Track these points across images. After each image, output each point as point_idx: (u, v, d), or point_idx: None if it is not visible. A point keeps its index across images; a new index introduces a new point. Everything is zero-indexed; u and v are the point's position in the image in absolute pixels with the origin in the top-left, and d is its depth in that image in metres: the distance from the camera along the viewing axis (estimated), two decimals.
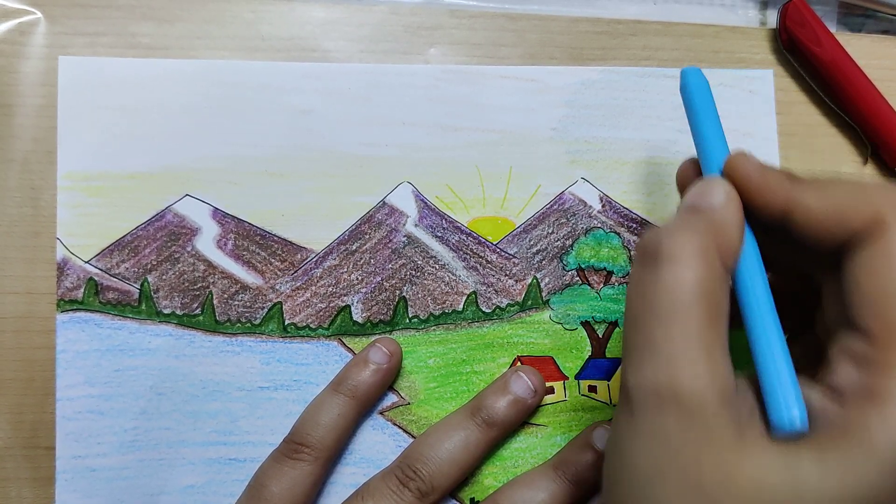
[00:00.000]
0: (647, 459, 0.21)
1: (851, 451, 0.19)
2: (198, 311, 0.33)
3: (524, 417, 0.33)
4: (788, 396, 0.21)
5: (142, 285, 0.33)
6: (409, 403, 0.33)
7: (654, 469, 0.21)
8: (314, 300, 0.33)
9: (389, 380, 0.33)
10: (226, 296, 0.33)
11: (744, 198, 0.23)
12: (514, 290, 0.34)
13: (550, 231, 0.35)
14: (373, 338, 0.33)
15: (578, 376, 0.34)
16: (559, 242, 0.35)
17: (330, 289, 0.33)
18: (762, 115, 0.36)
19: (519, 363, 0.34)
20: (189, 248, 0.33)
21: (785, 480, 0.19)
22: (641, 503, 0.21)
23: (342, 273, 0.33)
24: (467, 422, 0.31)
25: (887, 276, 0.21)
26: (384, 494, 0.30)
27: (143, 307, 0.33)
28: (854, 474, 0.19)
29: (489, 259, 0.34)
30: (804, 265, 0.25)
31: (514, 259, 0.34)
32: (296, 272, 0.33)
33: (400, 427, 0.33)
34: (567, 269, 0.34)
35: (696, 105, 0.26)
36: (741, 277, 0.23)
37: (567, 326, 0.34)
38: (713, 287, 0.21)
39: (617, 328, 0.34)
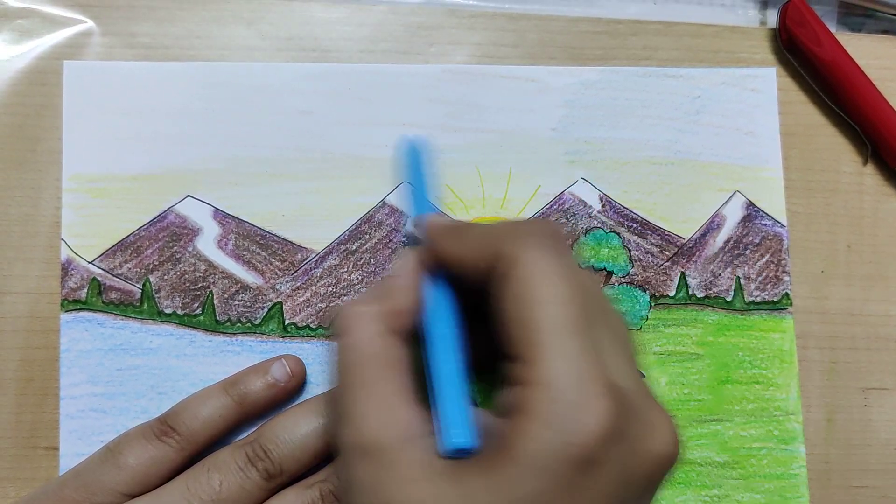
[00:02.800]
0: (355, 497, 0.23)
1: (508, 463, 0.21)
2: (198, 311, 0.33)
3: None
4: (451, 417, 0.24)
5: (143, 285, 0.33)
6: None
7: (354, 501, 0.23)
8: (314, 300, 0.33)
9: (283, 399, 0.32)
10: (226, 296, 0.33)
11: (434, 255, 0.27)
12: None
13: None
14: None
15: None
16: None
17: (330, 289, 0.34)
18: (765, 114, 0.36)
19: None
20: (190, 249, 0.33)
21: (457, 500, 0.22)
22: None
23: (342, 273, 0.34)
24: (328, 409, 0.30)
25: (517, 300, 0.23)
26: (230, 469, 0.29)
27: (145, 307, 0.33)
28: (514, 487, 0.21)
29: None
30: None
31: None
32: (296, 272, 0.33)
33: None
34: None
35: (414, 176, 0.31)
36: (426, 328, 0.26)
37: None
38: (382, 345, 0.25)
39: None
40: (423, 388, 0.25)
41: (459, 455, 0.23)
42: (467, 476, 0.22)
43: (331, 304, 0.33)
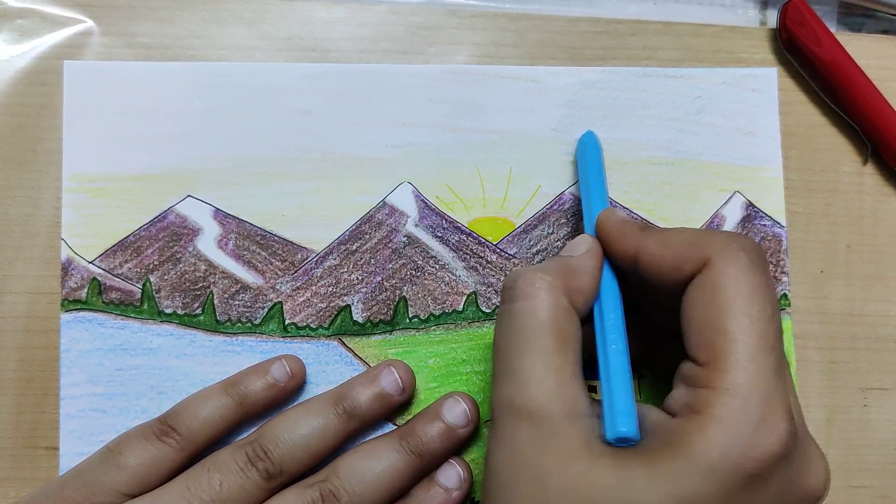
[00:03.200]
0: (505, 465, 0.24)
1: (675, 460, 0.22)
2: (198, 311, 0.33)
3: (387, 413, 0.32)
4: (619, 406, 0.24)
5: (144, 285, 0.33)
6: (409, 403, 0.33)
7: (510, 473, 0.24)
8: (314, 300, 0.33)
9: (283, 399, 0.32)
10: (226, 296, 0.33)
11: (606, 247, 0.28)
12: None
13: (550, 231, 0.35)
14: (373, 338, 0.33)
15: None
16: (559, 243, 0.35)
17: (330, 289, 0.34)
18: (765, 114, 0.36)
19: None
20: (190, 249, 0.33)
21: (618, 487, 0.22)
22: (498, 503, 0.24)
23: (342, 273, 0.34)
24: (328, 409, 0.30)
25: (708, 306, 0.24)
26: (230, 469, 0.29)
27: (145, 307, 0.33)
28: (677, 481, 0.22)
29: (489, 259, 0.34)
30: (665, 311, 0.27)
31: (514, 259, 0.34)
32: (296, 272, 0.33)
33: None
34: None
35: (588, 167, 0.32)
36: (598, 314, 0.27)
37: None
38: (560, 320, 0.25)
39: None
40: (586, 369, 0.26)
41: (621, 444, 0.24)
42: (629, 462, 0.22)
43: (331, 304, 0.33)
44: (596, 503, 0.22)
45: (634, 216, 0.35)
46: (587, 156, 0.33)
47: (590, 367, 0.26)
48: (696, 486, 0.21)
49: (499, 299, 0.34)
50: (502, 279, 0.34)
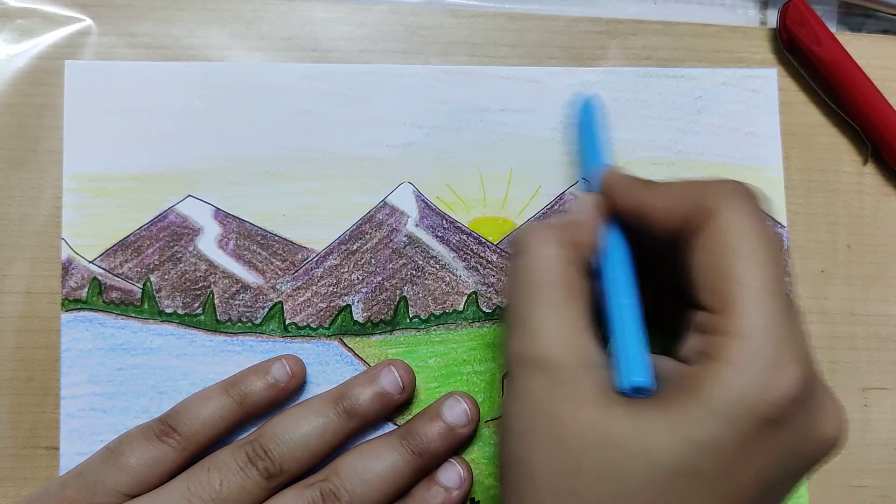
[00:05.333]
0: (520, 415, 0.24)
1: (690, 405, 0.22)
2: (199, 311, 0.33)
3: (388, 412, 0.32)
4: (632, 356, 0.24)
5: (144, 285, 0.33)
6: (409, 403, 0.33)
7: (526, 423, 0.24)
8: (315, 300, 0.33)
9: (283, 399, 0.32)
10: (227, 295, 0.33)
11: (612, 204, 0.28)
12: None
13: None
14: (374, 338, 0.33)
15: None
16: None
17: (331, 288, 0.34)
18: (765, 114, 0.36)
19: None
20: (191, 248, 0.33)
21: (633, 433, 0.22)
22: (515, 454, 0.24)
23: (343, 273, 0.34)
24: (328, 409, 0.30)
25: (716, 253, 0.24)
26: (230, 469, 0.29)
27: (146, 307, 0.33)
28: (693, 426, 0.22)
29: (490, 259, 0.34)
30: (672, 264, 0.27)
31: None
32: (296, 272, 0.33)
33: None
34: None
35: (588, 130, 0.32)
36: (606, 269, 0.27)
37: None
38: (567, 271, 0.25)
39: None
40: (596, 324, 0.26)
41: (635, 394, 0.24)
42: (644, 410, 0.22)
43: (331, 304, 0.33)
44: (611, 449, 0.22)
45: None
46: (592, 118, 0.33)
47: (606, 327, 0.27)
48: (711, 429, 0.21)
49: (500, 299, 0.34)
50: (503, 279, 0.34)
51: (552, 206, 0.35)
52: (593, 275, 0.27)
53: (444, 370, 0.34)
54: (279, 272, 0.33)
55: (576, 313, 0.25)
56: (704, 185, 0.25)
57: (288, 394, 0.32)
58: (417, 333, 0.34)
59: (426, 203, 0.34)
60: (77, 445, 0.32)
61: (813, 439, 0.23)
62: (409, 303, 0.34)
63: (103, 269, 0.33)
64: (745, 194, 0.25)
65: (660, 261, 0.28)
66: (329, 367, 0.33)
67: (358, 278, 0.34)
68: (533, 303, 0.25)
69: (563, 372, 0.23)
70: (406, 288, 0.34)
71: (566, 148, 0.35)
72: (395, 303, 0.34)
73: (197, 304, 0.33)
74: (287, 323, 0.33)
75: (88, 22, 0.34)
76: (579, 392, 0.23)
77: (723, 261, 0.23)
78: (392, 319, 0.34)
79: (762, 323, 0.22)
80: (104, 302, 0.33)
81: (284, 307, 0.33)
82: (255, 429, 0.31)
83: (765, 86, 0.36)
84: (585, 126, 0.33)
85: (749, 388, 0.22)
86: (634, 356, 0.24)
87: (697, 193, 0.25)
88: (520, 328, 0.25)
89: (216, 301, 0.33)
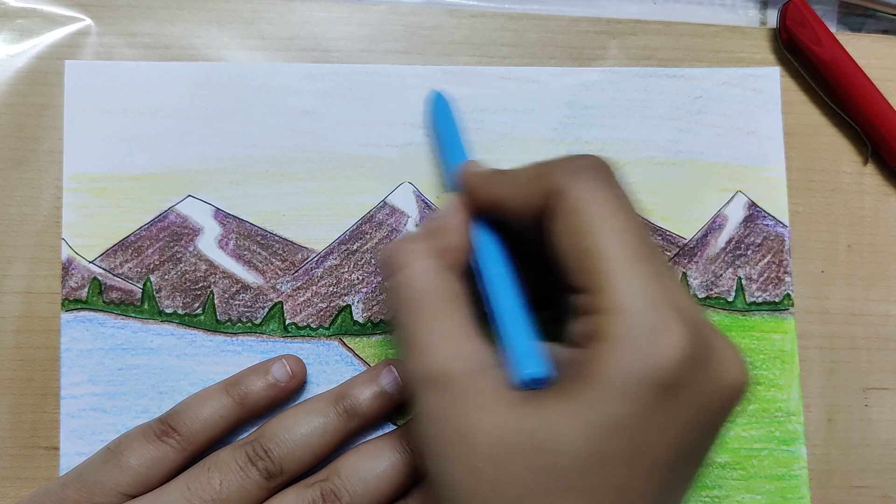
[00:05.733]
0: (429, 436, 0.24)
1: (586, 390, 0.22)
2: (199, 311, 0.33)
3: (388, 412, 0.32)
4: (521, 349, 0.24)
5: (144, 285, 0.33)
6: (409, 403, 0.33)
7: (435, 444, 0.24)
8: (315, 300, 0.33)
9: (284, 399, 0.32)
10: (227, 295, 0.33)
11: (473, 201, 0.27)
12: None
13: None
14: (374, 338, 0.33)
15: None
16: None
17: (331, 288, 0.34)
18: (767, 114, 0.36)
19: None
20: (191, 248, 0.33)
21: (537, 427, 0.22)
22: (436, 478, 0.24)
23: (343, 273, 0.34)
24: (328, 408, 0.30)
25: (573, 233, 0.23)
26: (230, 469, 0.29)
27: (146, 307, 0.33)
28: (594, 409, 0.21)
29: None
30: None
31: None
32: (297, 272, 0.33)
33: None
34: None
35: (443, 127, 0.31)
36: (479, 266, 0.27)
37: None
38: (440, 280, 0.25)
39: None
40: (482, 325, 0.25)
41: (533, 385, 0.23)
42: (543, 403, 0.22)
43: (331, 304, 0.33)
44: (523, 449, 0.22)
45: None
46: (439, 115, 0.32)
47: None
48: (612, 409, 0.21)
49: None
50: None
51: None
52: (473, 275, 0.27)
53: None
54: (279, 272, 0.33)
55: (458, 320, 0.24)
56: (550, 165, 0.25)
57: (288, 394, 0.32)
58: None
59: (426, 203, 0.34)
60: (77, 445, 0.32)
61: (717, 390, 0.23)
62: None
63: (103, 269, 0.33)
64: (590, 167, 0.24)
65: (536, 248, 0.28)
66: (329, 367, 0.33)
67: (358, 278, 0.34)
68: (414, 320, 0.25)
69: (458, 383, 0.23)
70: None
71: (566, 148, 0.35)
72: None
73: (197, 304, 0.33)
74: (287, 323, 0.33)
75: (88, 22, 0.34)
76: (477, 399, 0.23)
77: (581, 239, 0.23)
78: (392, 320, 0.34)
79: (634, 291, 0.22)
80: (104, 302, 0.33)
81: (284, 307, 0.33)
82: (255, 429, 0.31)
83: (766, 85, 0.36)
84: (440, 122, 0.32)
85: (638, 361, 0.21)
86: (523, 348, 0.24)
87: (544, 176, 0.25)
88: (408, 348, 0.25)
89: (216, 301, 0.33)
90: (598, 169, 0.24)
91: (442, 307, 0.25)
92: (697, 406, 0.22)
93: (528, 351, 0.24)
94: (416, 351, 0.24)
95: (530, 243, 0.27)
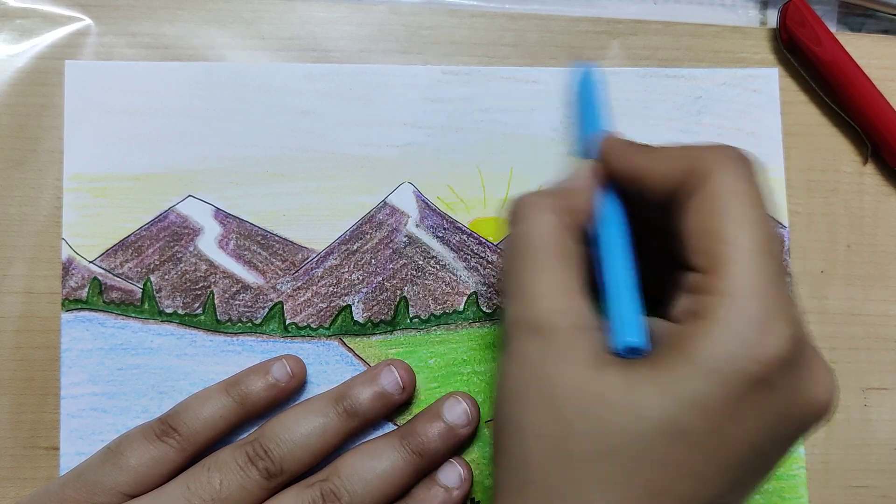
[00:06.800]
0: (514, 377, 0.24)
1: (679, 364, 0.22)
2: (199, 311, 0.33)
3: (388, 412, 0.32)
4: (626, 318, 0.24)
5: (144, 285, 0.33)
6: (409, 403, 0.33)
7: (519, 385, 0.24)
8: (315, 300, 0.33)
9: (284, 399, 0.32)
10: (227, 295, 0.33)
11: (609, 169, 0.28)
12: None
13: None
14: (374, 338, 0.33)
15: None
16: None
17: (331, 288, 0.34)
18: (766, 114, 0.36)
19: None
20: (191, 248, 0.33)
21: (623, 391, 0.22)
22: (508, 416, 0.24)
23: (343, 273, 0.34)
24: (328, 408, 0.31)
25: (708, 215, 0.23)
26: (231, 469, 0.29)
27: (146, 307, 0.33)
28: (682, 384, 0.21)
29: (490, 259, 0.34)
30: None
31: None
32: (297, 272, 0.33)
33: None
34: None
35: (587, 100, 0.31)
36: (599, 233, 0.27)
37: None
38: (559, 237, 0.25)
39: None
40: (592, 290, 0.26)
41: (629, 355, 0.24)
42: (635, 370, 0.22)
43: (331, 304, 0.33)
44: (601, 408, 0.22)
45: None
46: (592, 87, 0.32)
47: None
48: (700, 388, 0.21)
49: (500, 300, 0.34)
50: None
51: None
52: (590, 242, 0.27)
53: (445, 370, 0.34)
54: (279, 272, 0.33)
55: (570, 277, 0.25)
56: (699, 149, 0.25)
57: (288, 394, 0.32)
58: (417, 333, 0.34)
59: (426, 203, 0.34)
60: (77, 445, 0.32)
61: (803, 403, 0.23)
62: (410, 303, 0.34)
63: (103, 269, 0.33)
64: (738, 158, 0.25)
65: (651, 227, 0.28)
66: (329, 367, 0.33)
67: (358, 278, 0.34)
68: (527, 269, 0.25)
69: (557, 334, 0.24)
70: (406, 288, 0.34)
71: (566, 147, 0.35)
72: (396, 303, 0.34)
73: (197, 304, 0.33)
74: (287, 323, 0.33)
75: (88, 22, 0.34)
76: (573, 354, 0.23)
77: (714, 222, 0.23)
78: (392, 320, 0.34)
79: (751, 282, 0.22)
80: (104, 302, 0.33)
81: (284, 307, 0.33)
82: (255, 429, 0.31)
83: (766, 86, 0.36)
84: (584, 95, 0.32)
85: (737, 347, 0.21)
86: (628, 317, 0.24)
87: (692, 157, 0.25)
88: (515, 294, 0.25)
89: (216, 301, 0.33)
90: (744, 162, 0.25)
91: (555, 262, 0.25)
92: (781, 412, 0.22)
93: (632, 321, 0.24)
94: (522, 297, 0.25)
95: (646, 223, 0.27)
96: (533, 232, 0.25)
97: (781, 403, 0.22)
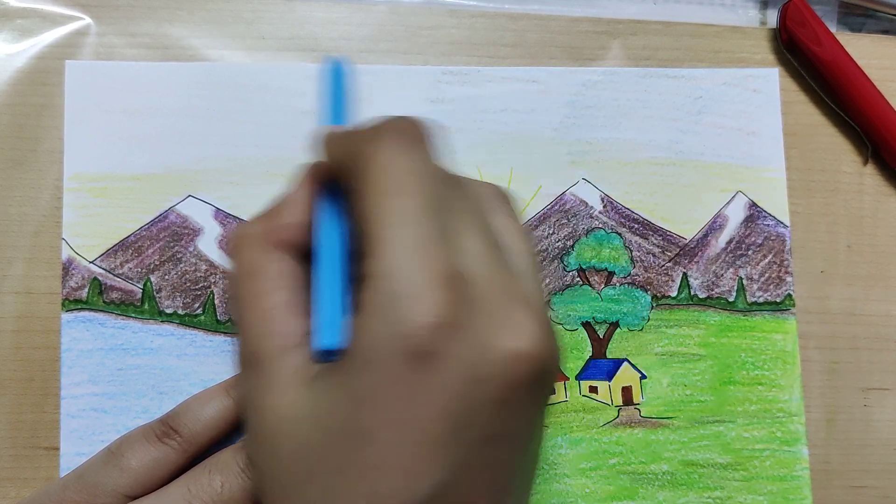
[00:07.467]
0: (245, 418, 0.25)
1: (346, 360, 0.21)
2: (199, 311, 0.33)
3: None
4: (323, 321, 0.24)
5: (144, 285, 0.33)
6: None
7: (248, 425, 0.25)
8: None
9: None
10: (227, 295, 0.33)
11: (329, 166, 0.26)
12: None
13: (551, 232, 0.35)
14: None
15: (579, 377, 0.34)
16: (560, 243, 0.35)
17: None
18: (767, 114, 0.36)
19: None
20: (191, 249, 0.33)
21: (310, 404, 0.22)
22: (252, 459, 0.25)
23: None
24: None
25: (361, 197, 0.23)
26: (232, 471, 0.29)
27: (146, 307, 0.33)
28: (351, 380, 0.21)
29: None
30: None
31: None
32: None
33: None
34: (568, 269, 0.35)
35: (335, 96, 0.31)
36: (314, 239, 0.26)
37: (567, 327, 0.34)
38: (263, 264, 0.25)
39: (618, 329, 0.34)
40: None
41: (329, 358, 0.23)
42: (324, 377, 0.22)
43: None
44: (298, 428, 0.22)
45: (636, 216, 0.35)
46: (342, 84, 0.31)
47: None
48: (366, 381, 0.21)
49: None
50: None
51: (552, 206, 0.35)
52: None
53: None
54: None
55: (275, 301, 0.25)
56: (363, 129, 0.24)
57: None
58: None
59: None
60: (77, 446, 0.32)
61: (494, 359, 0.21)
62: None
63: (104, 269, 0.33)
64: (392, 130, 0.23)
65: None
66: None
67: None
68: (240, 303, 0.25)
69: (265, 361, 0.24)
70: None
71: (566, 148, 0.35)
72: None
73: (197, 305, 0.33)
74: None
75: (88, 22, 0.34)
76: (277, 378, 0.23)
77: (365, 203, 0.22)
78: None
79: (398, 256, 0.21)
80: (104, 302, 0.33)
81: None
82: None
83: (766, 86, 0.36)
84: (333, 91, 0.31)
85: (385, 329, 0.20)
86: (327, 320, 0.24)
87: (355, 139, 0.24)
88: (238, 331, 0.25)
89: (217, 301, 0.33)
90: (402, 132, 0.23)
91: (262, 288, 0.25)
92: (465, 377, 0.21)
93: (330, 323, 0.24)
94: (239, 332, 0.25)
95: None
96: (240, 264, 0.26)
97: (461, 367, 0.20)
